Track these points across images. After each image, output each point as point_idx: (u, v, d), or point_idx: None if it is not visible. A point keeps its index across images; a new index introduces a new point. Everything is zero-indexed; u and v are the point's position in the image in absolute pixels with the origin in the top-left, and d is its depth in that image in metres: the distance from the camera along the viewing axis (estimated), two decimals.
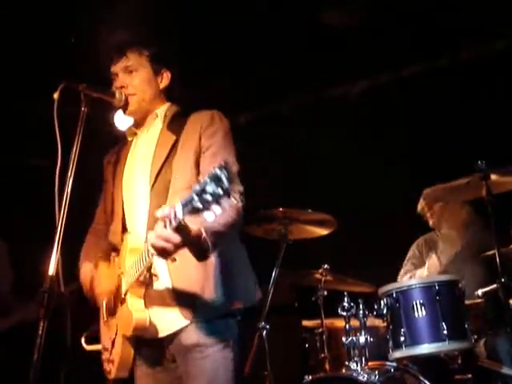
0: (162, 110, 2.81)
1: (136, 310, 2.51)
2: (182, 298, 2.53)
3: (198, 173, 2.60)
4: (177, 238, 2.18)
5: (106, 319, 2.75)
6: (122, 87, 2.72)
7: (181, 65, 2.87)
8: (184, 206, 2.02)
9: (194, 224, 2.26)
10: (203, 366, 2.52)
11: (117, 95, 2.68)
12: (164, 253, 2.24)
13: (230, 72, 5.21)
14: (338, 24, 4.89)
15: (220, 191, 1.91)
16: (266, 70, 5.23)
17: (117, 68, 2.75)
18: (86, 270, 2.82)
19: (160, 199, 2.58)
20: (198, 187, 1.96)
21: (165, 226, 2.15)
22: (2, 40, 4.49)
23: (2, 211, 4.96)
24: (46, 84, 2.54)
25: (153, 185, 2.63)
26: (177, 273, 2.53)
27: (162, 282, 2.55)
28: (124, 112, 2.75)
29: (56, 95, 2.44)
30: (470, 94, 5.03)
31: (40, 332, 2.19)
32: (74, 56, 4.50)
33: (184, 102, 2.87)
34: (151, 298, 2.55)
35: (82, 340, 2.67)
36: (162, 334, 2.57)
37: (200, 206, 1.95)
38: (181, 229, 2.17)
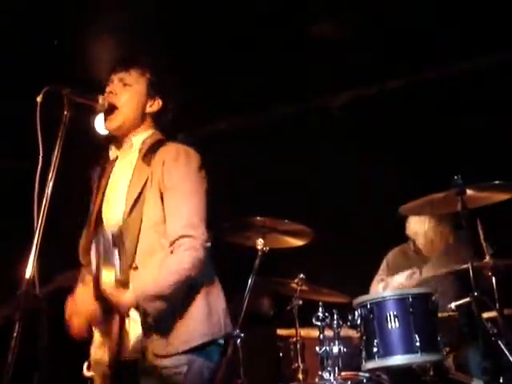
0: (140, 137, 2.75)
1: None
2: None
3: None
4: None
5: None
6: (110, 92, 2.70)
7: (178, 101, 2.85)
8: None
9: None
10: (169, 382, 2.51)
11: (100, 100, 2.65)
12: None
13: (216, 78, 5.21)
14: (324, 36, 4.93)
15: None
16: (253, 79, 5.24)
17: (115, 77, 2.74)
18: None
19: (131, 237, 2.58)
20: None
21: None
22: None
23: None
24: (29, 86, 2.54)
25: (126, 220, 2.61)
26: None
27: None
28: (105, 123, 2.72)
29: (39, 98, 2.42)
30: (448, 109, 5.10)
31: (15, 334, 2.16)
32: (57, 58, 4.48)
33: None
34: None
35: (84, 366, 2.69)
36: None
37: None
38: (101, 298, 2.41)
